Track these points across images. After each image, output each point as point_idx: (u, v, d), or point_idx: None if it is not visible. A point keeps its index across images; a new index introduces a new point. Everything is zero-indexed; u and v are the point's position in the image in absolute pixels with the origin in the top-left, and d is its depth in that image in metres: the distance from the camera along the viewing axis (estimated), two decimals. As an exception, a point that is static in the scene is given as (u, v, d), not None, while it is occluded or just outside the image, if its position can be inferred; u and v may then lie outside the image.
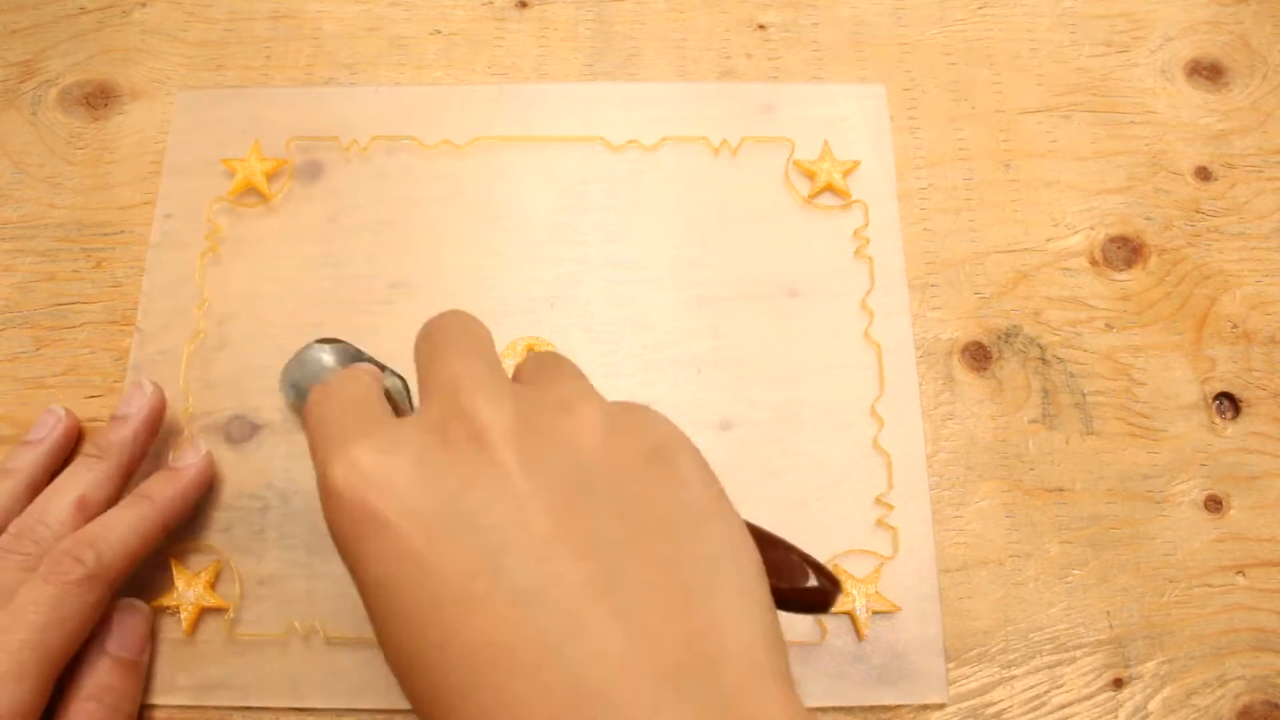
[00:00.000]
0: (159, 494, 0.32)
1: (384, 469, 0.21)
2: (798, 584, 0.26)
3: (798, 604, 0.26)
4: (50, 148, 0.39)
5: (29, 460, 0.33)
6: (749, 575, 0.22)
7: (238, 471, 0.35)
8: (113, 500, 0.32)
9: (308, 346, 0.34)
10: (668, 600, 0.20)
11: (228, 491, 0.34)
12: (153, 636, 0.32)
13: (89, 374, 0.36)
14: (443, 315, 0.26)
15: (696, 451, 0.24)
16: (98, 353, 0.36)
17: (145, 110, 0.40)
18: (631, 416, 0.24)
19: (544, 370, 0.25)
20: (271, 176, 0.38)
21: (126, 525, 0.31)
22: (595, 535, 0.21)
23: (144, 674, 0.32)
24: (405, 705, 0.32)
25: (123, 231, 0.38)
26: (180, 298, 0.37)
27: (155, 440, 0.34)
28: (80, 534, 0.30)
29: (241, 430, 0.35)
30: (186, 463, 0.33)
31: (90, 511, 0.31)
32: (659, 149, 0.39)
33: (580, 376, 0.25)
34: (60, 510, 0.31)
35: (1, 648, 0.27)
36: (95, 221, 0.38)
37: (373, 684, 0.32)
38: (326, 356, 0.34)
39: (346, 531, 0.22)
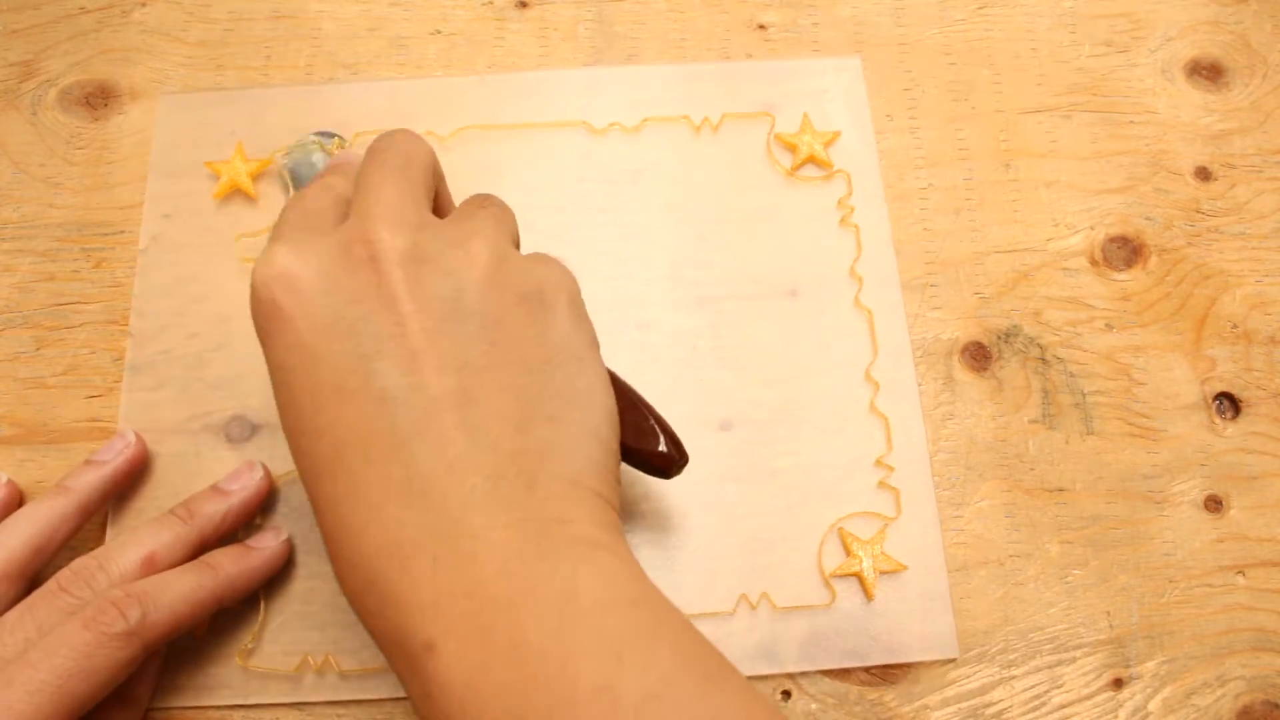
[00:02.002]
0: (224, 568, 0.31)
1: (293, 271, 0.25)
2: (648, 446, 0.28)
3: (644, 464, 0.29)
4: (50, 148, 0.39)
5: (88, 481, 0.32)
6: (594, 416, 0.25)
7: (238, 471, 0.35)
8: (179, 564, 0.31)
9: (305, 140, 0.38)
10: (510, 422, 0.24)
11: (228, 491, 0.34)
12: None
13: (89, 374, 0.36)
14: (391, 133, 0.28)
15: (577, 302, 0.27)
16: (98, 353, 0.36)
17: (145, 110, 0.40)
18: (522, 262, 0.26)
19: (465, 207, 0.28)
20: (257, 177, 0.38)
21: (181, 590, 0.29)
22: (460, 358, 0.24)
23: (144, 708, 0.31)
24: (403, 694, 0.32)
25: (122, 231, 0.38)
26: (178, 299, 0.37)
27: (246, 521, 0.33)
28: (133, 587, 0.28)
29: (241, 430, 0.35)
30: (263, 545, 0.32)
31: (155, 569, 0.30)
32: (641, 130, 0.39)
33: (492, 218, 0.27)
34: (127, 562, 0.30)
35: (23, 684, 0.26)
36: (95, 221, 0.38)
37: (371, 684, 0.32)
38: (317, 155, 0.37)
39: (259, 318, 0.25)
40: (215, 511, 0.32)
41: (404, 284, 0.24)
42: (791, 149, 0.39)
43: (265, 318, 0.25)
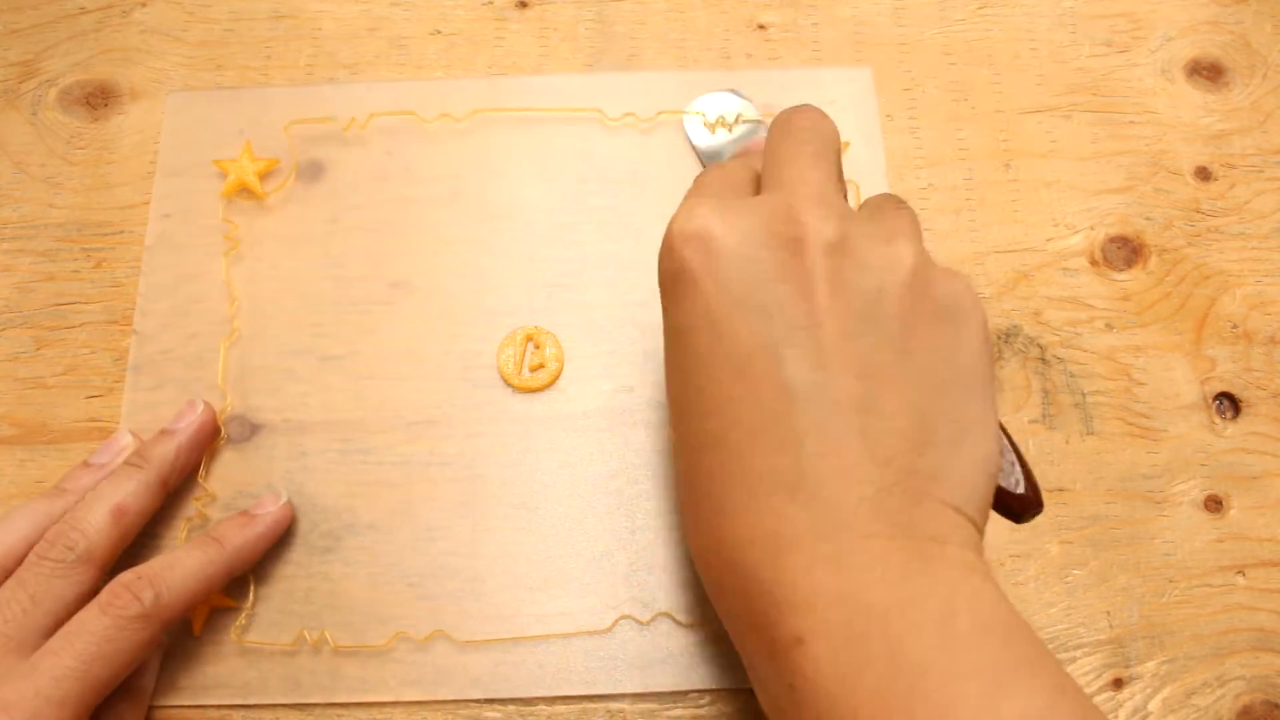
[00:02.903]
0: (229, 539, 0.32)
1: (711, 233, 0.24)
2: (1006, 484, 0.27)
3: (999, 503, 0.27)
4: (50, 148, 0.39)
5: (86, 483, 0.32)
6: (985, 446, 0.24)
7: (238, 471, 0.35)
8: (149, 512, 0.32)
9: (721, 95, 0.37)
10: (908, 440, 0.23)
11: (227, 491, 0.34)
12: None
13: (89, 374, 0.36)
14: (801, 109, 0.28)
15: (986, 327, 0.26)
16: (98, 353, 0.36)
17: (145, 110, 0.40)
18: (940, 272, 0.25)
19: (881, 202, 0.27)
20: (264, 176, 0.38)
21: (191, 567, 0.30)
22: (870, 363, 0.23)
23: (148, 701, 0.32)
24: (405, 697, 0.32)
25: (122, 231, 0.38)
26: (180, 298, 0.37)
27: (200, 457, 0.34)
28: (144, 569, 0.29)
29: (241, 430, 0.35)
30: (264, 510, 0.33)
31: (126, 520, 0.31)
32: (654, 122, 0.39)
33: (911, 220, 0.26)
34: (97, 518, 0.30)
35: (48, 670, 0.27)
36: (95, 221, 0.38)
37: (372, 681, 0.32)
38: (732, 103, 0.37)
39: (666, 273, 0.25)
40: (167, 451, 0.33)
41: (826, 275, 0.23)
42: None
43: (674, 276, 0.25)
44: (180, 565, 0.30)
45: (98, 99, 0.40)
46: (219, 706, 0.32)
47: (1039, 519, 0.35)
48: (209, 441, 0.34)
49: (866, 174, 0.39)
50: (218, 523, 0.33)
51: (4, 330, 0.37)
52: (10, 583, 0.29)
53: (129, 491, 0.31)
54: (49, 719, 0.27)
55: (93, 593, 0.29)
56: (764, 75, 0.40)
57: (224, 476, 0.35)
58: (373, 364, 0.36)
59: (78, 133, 0.40)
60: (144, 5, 0.42)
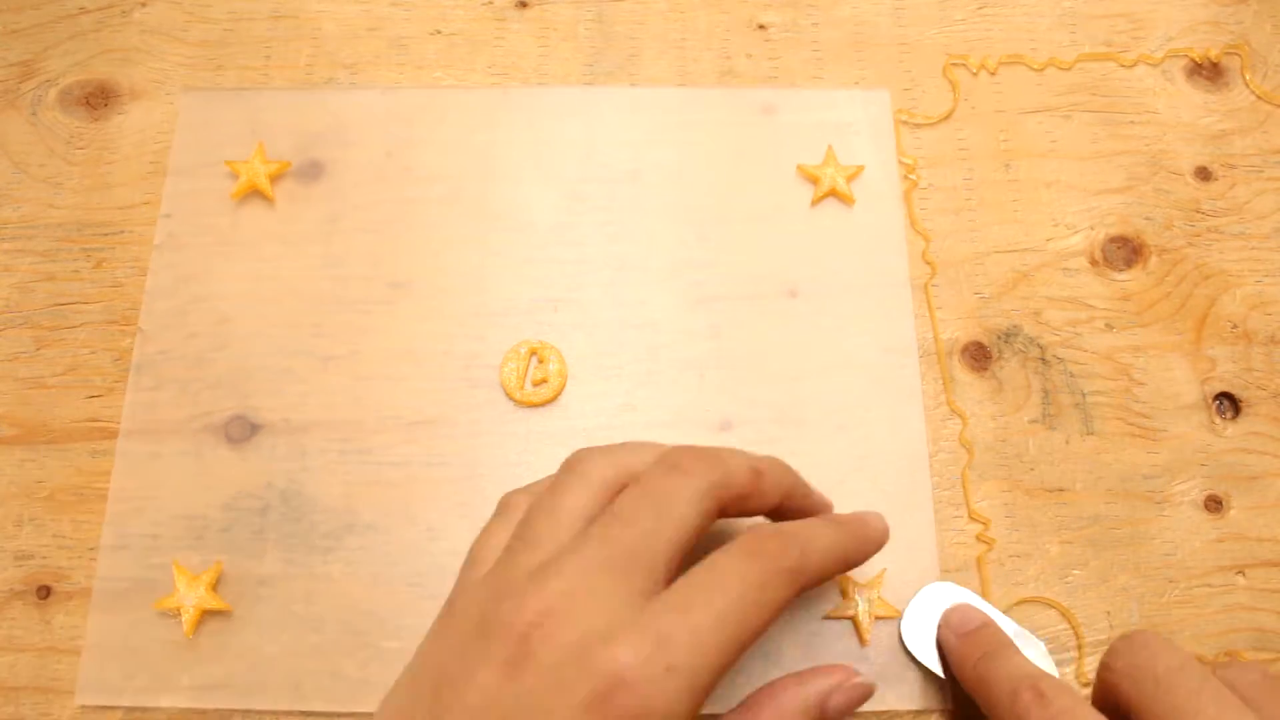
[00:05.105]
0: (851, 526, 0.29)
1: None
2: None
3: None
4: (50, 148, 0.39)
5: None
6: None
7: (238, 472, 0.35)
8: (775, 494, 0.28)
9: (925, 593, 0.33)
10: None
11: (227, 492, 0.34)
12: (156, 639, 0.32)
13: (89, 374, 0.36)
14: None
15: None
16: (98, 353, 0.36)
17: (145, 110, 0.40)
18: None
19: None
20: (275, 179, 0.38)
21: (826, 541, 0.27)
22: None
23: None
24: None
25: (123, 231, 0.38)
26: (182, 298, 0.37)
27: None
28: (782, 527, 0.26)
29: (241, 430, 0.35)
30: (876, 524, 0.30)
31: (762, 482, 0.27)
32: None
33: None
34: (738, 462, 0.27)
35: (703, 607, 0.23)
36: (95, 221, 0.38)
37: (372, 685, 0.32)
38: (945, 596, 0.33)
39: None
40: (780, 482, 0.29)
41: None
42: (814, 180, 0.38)
43: None
44: (817, 536, 0.27)
45: (98, 99, 0.40)
46: (220, 710, 0.32)
47: (1042, 517, 0.35)
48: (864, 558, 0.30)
49: (880, 197, 0.38)
50: (843, 514, 0.30)
51: (4, 330, 0.37)
52: (634, 492, 0.26)
53: (789, 484, 0.29)
54: (704, 667, 0.23)
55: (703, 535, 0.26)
56: (778, 93, 0.40)
57: (224, 476, 0.35)
58: (372, 364, 0.36)
59: (78, 133, 0.40)
60: (144, 5, 0.42)
